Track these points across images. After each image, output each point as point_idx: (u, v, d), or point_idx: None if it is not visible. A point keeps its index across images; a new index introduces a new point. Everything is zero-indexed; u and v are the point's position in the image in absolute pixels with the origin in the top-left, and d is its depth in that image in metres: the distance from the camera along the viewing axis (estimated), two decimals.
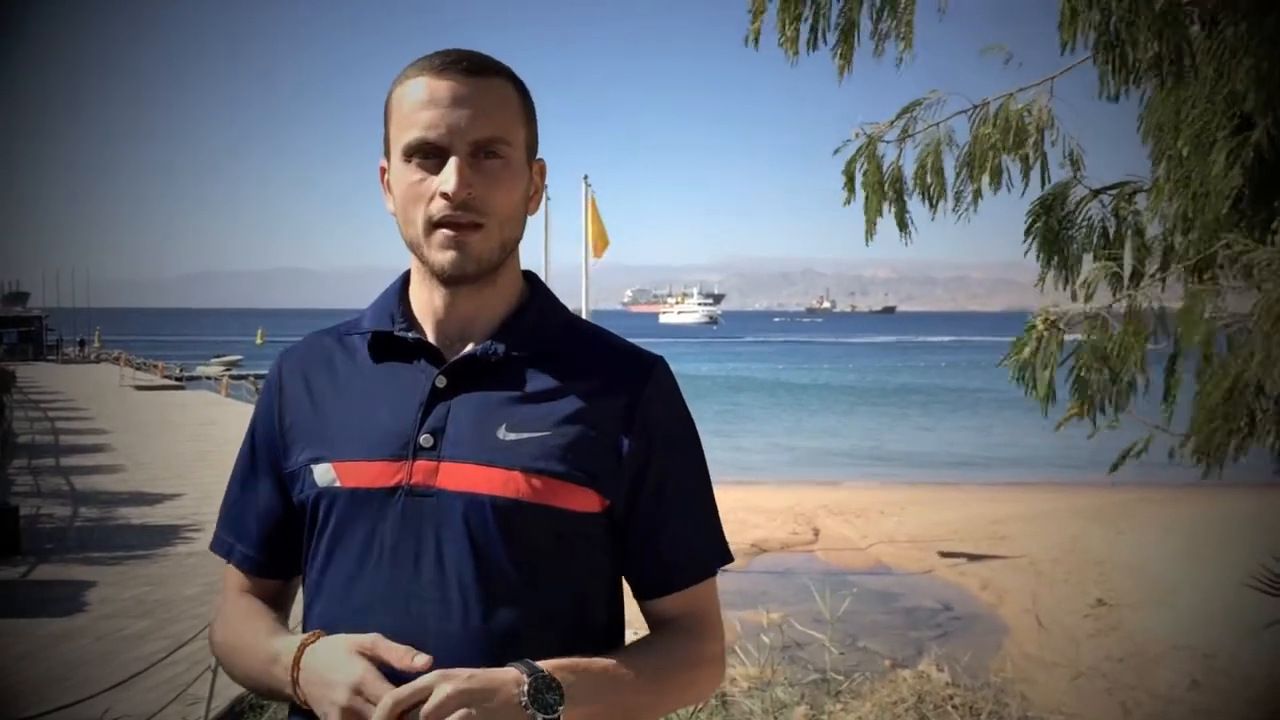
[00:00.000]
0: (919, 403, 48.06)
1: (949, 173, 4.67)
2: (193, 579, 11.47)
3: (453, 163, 1.39)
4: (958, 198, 4.65)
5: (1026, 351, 4.41)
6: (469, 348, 1.47)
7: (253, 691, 1.49)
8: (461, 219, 1.40)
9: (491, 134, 1.41)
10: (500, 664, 1.29)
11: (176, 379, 48.65)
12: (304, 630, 1.45)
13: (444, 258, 1.41)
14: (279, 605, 1.58)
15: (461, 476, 1.40)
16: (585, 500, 1.43)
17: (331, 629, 1.38)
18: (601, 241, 17.90)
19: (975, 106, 4.61)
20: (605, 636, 1.48)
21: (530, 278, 1.58)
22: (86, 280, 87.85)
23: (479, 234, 1.41)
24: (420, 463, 1.41)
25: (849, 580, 12.97)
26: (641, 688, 1.40)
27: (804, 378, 66.10)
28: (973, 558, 15.39)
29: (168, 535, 13.82)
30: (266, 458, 1.55)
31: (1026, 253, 4.80)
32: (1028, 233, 4.76)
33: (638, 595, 1.54)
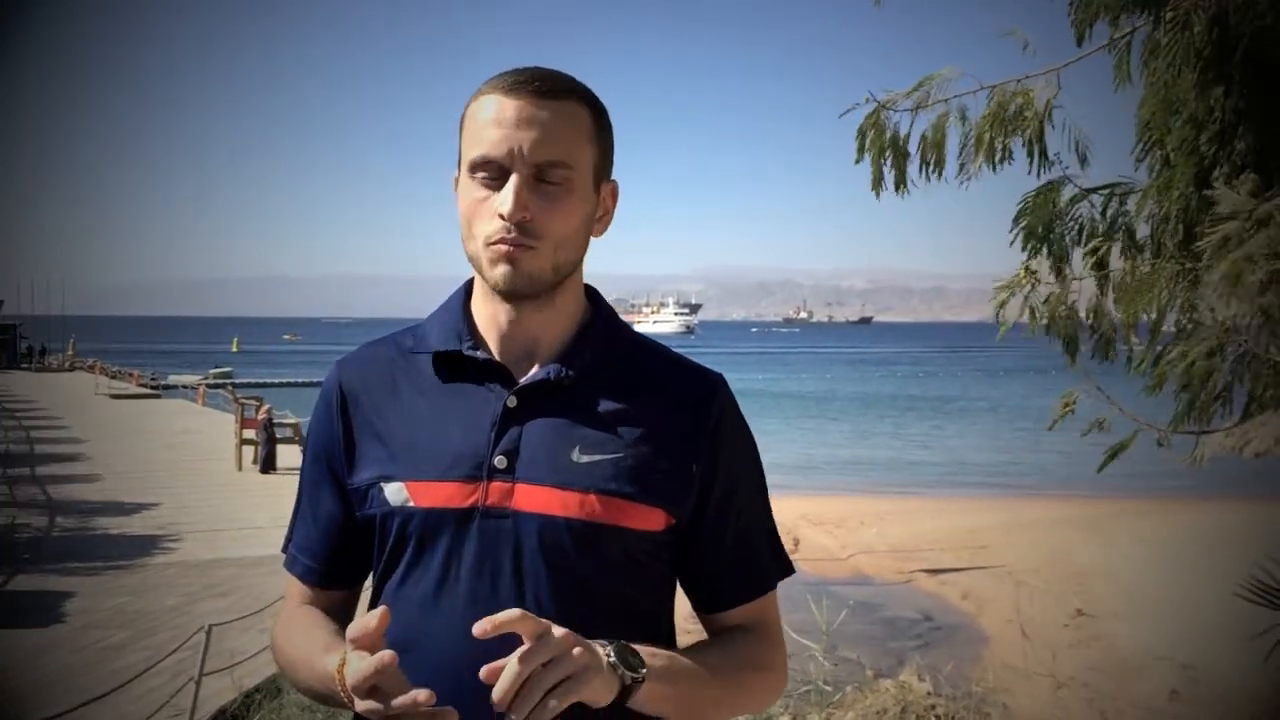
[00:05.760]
0: (896, 413, 48.21)
1: (953, 145, 4.79)
2: (172, 590, 11.41)
3: (511, 184, 1.39)
4: (961, 167, 4.78)
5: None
6: (540, 371, 1.48)
7: (319, 702, 1.50)
8: (516, 240, 1.40)
9: (552, 158, 1.40)
10: None
11: (152, 388, 48.29)
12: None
13: (496, 272, 1.42)
14: (342, 615, 1.58)
15: (537, 498, 1.42)
16: (654, 519, 1.46)
17: (409, 648, 1.38)
18: None
19: (982, 87, 4.71)
20: (665, 646, 1.50)
21: (593, 295, 1.58)
22: (61, 288, 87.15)
23: (531, 253, 1.41)
24: (495, 484, 1.42)
25: (830, 590, 12.98)
26: (713, 682, 1.45)
27: (780, 387, 66.12)
28: (953, 568, 15.45)
29: (146, 545, 13.73)
30: (326, 469, 1.55)
31: (1012, 243, 4.86)
32: (1016, 221, 4.82)
33: (705, 608, 1.57)
